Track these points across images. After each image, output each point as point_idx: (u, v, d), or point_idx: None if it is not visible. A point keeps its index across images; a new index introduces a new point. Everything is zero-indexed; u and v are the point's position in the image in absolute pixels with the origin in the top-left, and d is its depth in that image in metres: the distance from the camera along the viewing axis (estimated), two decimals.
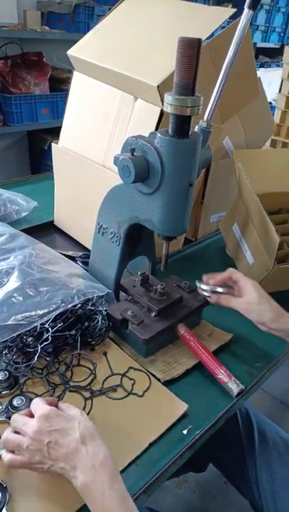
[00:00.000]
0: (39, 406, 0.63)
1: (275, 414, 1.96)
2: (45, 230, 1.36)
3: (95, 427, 0.61)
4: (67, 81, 1.13)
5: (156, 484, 0.67)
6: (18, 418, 0.62)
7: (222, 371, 0.81)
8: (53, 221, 1.38)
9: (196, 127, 0.84)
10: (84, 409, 0.75)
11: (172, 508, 1.55)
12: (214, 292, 0.90)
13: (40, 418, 0.60)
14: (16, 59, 2.82)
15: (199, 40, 0.65)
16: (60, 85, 2.95)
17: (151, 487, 0.66)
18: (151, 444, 0.71)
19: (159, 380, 0.82)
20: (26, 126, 2.90)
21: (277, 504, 0.94)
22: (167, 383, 0.82)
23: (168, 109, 0.71)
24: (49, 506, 0.62)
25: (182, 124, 0.73)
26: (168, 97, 0.70)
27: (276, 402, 2.03)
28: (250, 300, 0.86)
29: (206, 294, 0.91)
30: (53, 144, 1.25)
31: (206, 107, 0.84)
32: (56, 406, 0.65)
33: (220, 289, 0.90)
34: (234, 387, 0.79)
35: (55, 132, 1.25)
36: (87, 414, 0.74)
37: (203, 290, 0.91)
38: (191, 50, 0.65)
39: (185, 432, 0.74)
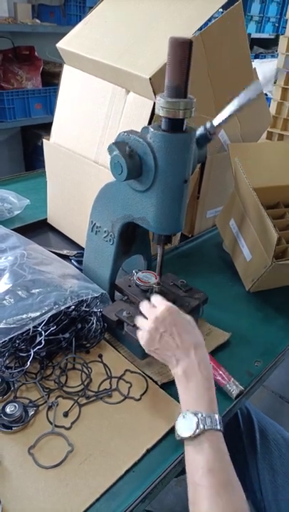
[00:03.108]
0: (159, 303, 0.73)
1: (274, 409, 1.95)
2: (38, 229, 1.33)
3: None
4: (59, 75, 1.11)
5: (154, 492, 0.65)
6: (144, 304, 0.76)
7: (221, 372, 0.79)
8: (46, 219, 1.35)
9: (199, 129, 0.80)
10: (79, 416, 0.73)
11: (172, 506, 1.54)
12: None
13: (167, 309, 0.71)
14: (7, 53, 2.77)
15: (190, 41, 0.62)
16: (52, 80, 2.91)
17: (150, 495, 0.64)
18: (148, 450, 0.69)
19: (156, 382, 0.80)
20: (19, 122, 2.86)
21: (279, 503, 0.92)
22: (165, 386, 0.80)
23: (160, 112, 0.68)
24: None
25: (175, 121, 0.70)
26: (160, 100, 0.68)
27: (275, 396, 2.02)
28: None
29: None
30: (44, 140, 1.22)
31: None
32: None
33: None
34: (233, 388, 0.77)
35: (49, 128, 1.22)
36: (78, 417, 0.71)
37: None
38: (182, 52, 0.62)
39: None
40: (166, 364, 0.71)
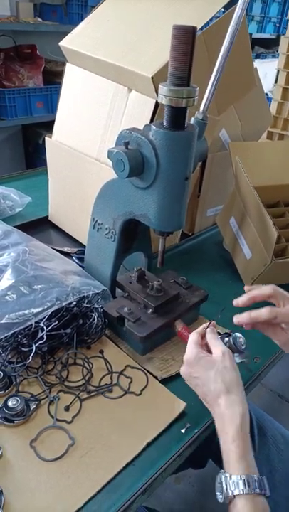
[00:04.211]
0: (188, 347, 0.70)
1: (272, 407, 1.96)
2: (39, 226, 1.34)
3: (234, 376, 0.65)
4: (61, 74, 1.12)
5: (154, 485, 0.65)
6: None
7: None
8: (47, 216, 1.36)
9: (192, 119, 0.82)
10: (80, 410, 0.74)
11: (171, 503, 1.55)
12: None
13: (185, 362, 0.69)
14: (9, 52, 2.78)
15: (194, 29, 0.63)
16: (54, 78, 2.92)
17: (150, 488, 0.64)
18: (148, 444, 0.70)
19: (156, 378, 0.81)
20: (21, 120, 2.87)
21: (276, 499, 0.93)
22: (165, 381, 0.80)
23: (163, 100, 0.69)
24: (45, 509, 0.60)
25: (177, 116, 0.71)
26: (162, 88, 0.68)
27: (274, 395, 2.03)
28: None
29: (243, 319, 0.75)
30: (46, 137, 1.23)
31: (202, 98, 0.81)
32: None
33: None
34: None
35: (50, 126, 1.23)
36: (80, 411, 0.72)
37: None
38: (185, 39, 0.63)
39: (183, 430, 0.73)
40: None
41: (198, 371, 0.67)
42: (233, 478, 0.58)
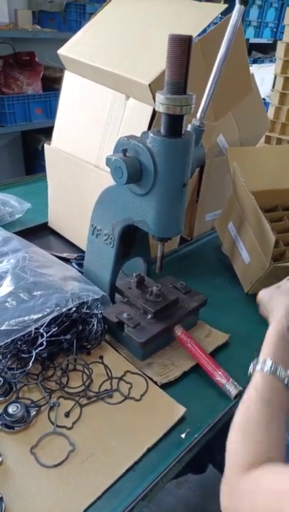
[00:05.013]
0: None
1: None
2: (39, 232, 1.34)
3: None
4: (60, 80, 1.14)
5: (155, 490, 0.66)
6: None
7: (220, 373, 0.80)
8: (47, 223, 1.37)
9: (189, 126, 0.83)
10: (80, 416, 0.74)
11: (172, 509, 1.54)
12: None
13: (260, 295, 0.81)
14: (8, 59, 2.80)
15: (190, 38, 0.64)
16: (53, 85, 2.94)
17: (150, 493, 0.65)
18: (149, 449, 0.70)
19: (156, 383, 0.81)
20: (20, 127, 2.88)
21: None
22: (164, 386, 0.81)
23: (160, 108, 0.70)
24: None
25: (174, 124, 0.72)
26: (159, 97, 0.69)
27: None
28: None
29: None
30: (45, 144, 1.23)
31: (199, 105, 0.82)
32: None
33: None
34: (232, 389, 0.78)
35: (49, 132, 1.24)
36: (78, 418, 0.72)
37: None
38: (181, 48, 0.64)
39: (183, 435, 0.73)
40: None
41: (268, 292, 0.80)
42: (259, 359, 0.64)
